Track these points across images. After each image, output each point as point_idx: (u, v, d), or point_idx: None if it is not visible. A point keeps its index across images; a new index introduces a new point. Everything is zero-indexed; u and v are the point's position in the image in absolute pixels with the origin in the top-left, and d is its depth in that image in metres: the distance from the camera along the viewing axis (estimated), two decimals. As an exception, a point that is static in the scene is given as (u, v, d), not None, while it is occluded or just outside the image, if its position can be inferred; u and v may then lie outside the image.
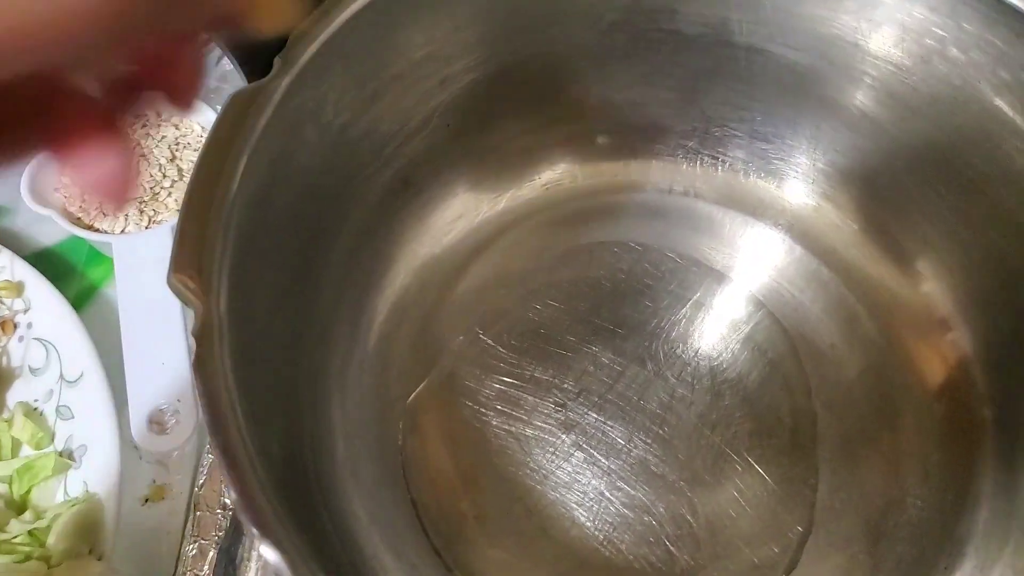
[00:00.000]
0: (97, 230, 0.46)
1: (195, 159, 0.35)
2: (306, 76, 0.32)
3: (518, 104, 0.42)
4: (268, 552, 0.23)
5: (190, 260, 0.27)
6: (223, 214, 0.28)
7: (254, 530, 0.23)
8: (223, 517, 0.40)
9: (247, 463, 0.25)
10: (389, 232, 0.41)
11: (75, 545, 0.37)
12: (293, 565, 0.23)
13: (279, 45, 0.31)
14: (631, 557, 0.37)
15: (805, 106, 0.42)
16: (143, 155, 0.47)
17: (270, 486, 0.25)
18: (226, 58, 0.35)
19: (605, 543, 0.37)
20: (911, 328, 0.41)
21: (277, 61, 0.31)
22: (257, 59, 0.32)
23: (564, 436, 0.39)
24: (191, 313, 0.27)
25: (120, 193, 0.20)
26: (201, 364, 0.26)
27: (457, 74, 0.39)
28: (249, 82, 0.31)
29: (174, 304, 0.44)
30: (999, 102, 0.35)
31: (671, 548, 0.37)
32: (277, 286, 0.32)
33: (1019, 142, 0.35)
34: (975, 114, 0.36)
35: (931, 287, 0.41)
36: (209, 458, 0.41)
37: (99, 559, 0.37)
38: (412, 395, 0.40)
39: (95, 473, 0.39)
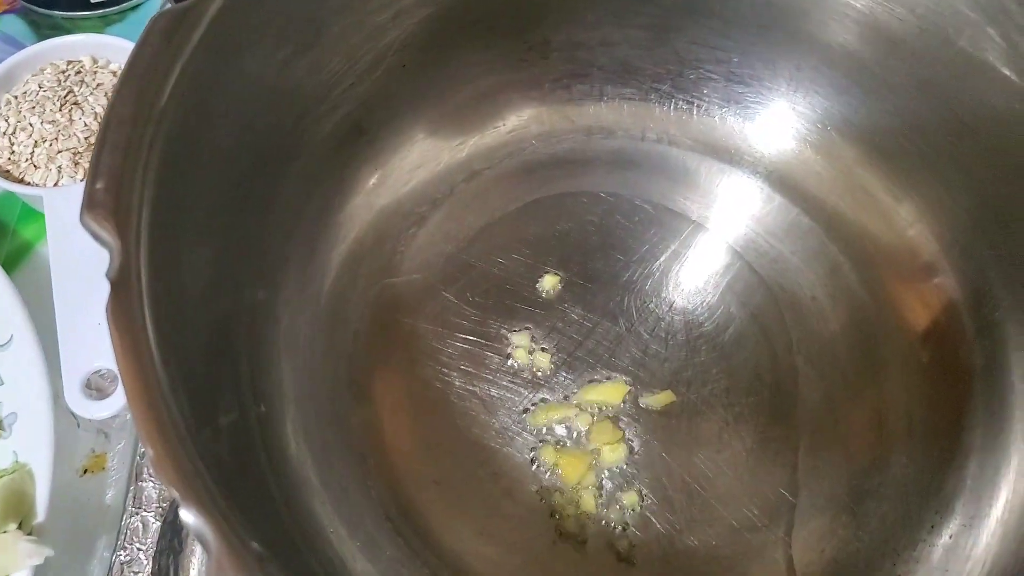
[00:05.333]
0: (28, 183, 0.42)
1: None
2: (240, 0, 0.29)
3: (479, 43, 0.40)
4: (188, 516, 0.21)
5: (106, 196, 0.24)
6: (144, 146, 0.25)
7: (173, 491, 0.21)
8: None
9: (167, 422, 0.22)
10: (342, 179, 0.39)
11: (2, 519, 0.34)
12: (219, 530, 0.21)
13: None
14: (603, 522, 0.34)
15: (784, 45, 0.39)
16: (77, 103, 0.43)
17: (196, 450, 0.23)
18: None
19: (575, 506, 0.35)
20: (895, 275, 0.39)
21: (206, -20, 0.28)
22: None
23: (531, 395, 0.37)
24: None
25: None
26: (117, 312, 0.23)
27: (411, 8, 0.36)
28: (176, 2, 0.28)
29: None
30: (989, 33, 0.33)
31: (644, 511, 0.35)
32: (211, 229, 0.30)
33: (1008, 73, 0.33)
34: (964, 48, 0.34)
35: (916, 231, 0.39)
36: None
37: (28, 534, 0.34)
38: (368, 354, 0.37)
39: (26, 442, 0.36)
